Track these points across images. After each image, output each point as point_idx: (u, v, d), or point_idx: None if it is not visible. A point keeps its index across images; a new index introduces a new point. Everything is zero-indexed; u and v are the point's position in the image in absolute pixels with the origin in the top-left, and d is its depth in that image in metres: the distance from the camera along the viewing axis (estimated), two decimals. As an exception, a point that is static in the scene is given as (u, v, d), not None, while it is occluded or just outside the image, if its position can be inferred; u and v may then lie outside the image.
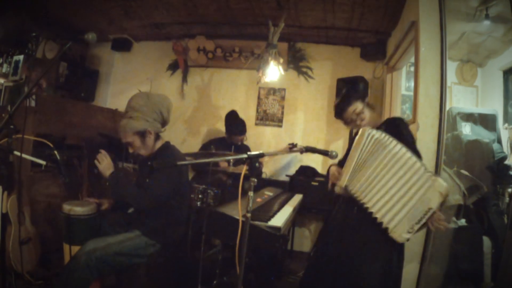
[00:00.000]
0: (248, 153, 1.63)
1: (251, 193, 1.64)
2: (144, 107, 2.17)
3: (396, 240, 1.72)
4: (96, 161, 2.18)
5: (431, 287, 2.53)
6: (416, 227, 1.68)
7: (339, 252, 1.91)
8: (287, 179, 4.21)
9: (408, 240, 1.73)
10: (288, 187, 4.04)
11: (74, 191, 3.16)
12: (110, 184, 2.14)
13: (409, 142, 1.92)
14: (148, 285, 2.31)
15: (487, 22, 2.89)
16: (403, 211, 1.69)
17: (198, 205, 2.99)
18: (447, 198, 2.60)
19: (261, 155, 1.70)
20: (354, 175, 1.83)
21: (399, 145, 1.74)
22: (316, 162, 4.40)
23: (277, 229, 1.80)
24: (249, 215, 1.64)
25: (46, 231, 2.85)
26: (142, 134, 2.18)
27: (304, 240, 4.46)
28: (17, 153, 1.87)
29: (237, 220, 1.71)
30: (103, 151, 2.21)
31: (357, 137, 1.88)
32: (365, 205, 1.77)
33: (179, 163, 1.46)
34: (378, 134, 1.79)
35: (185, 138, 4.89)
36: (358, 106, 2.07)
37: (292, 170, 4.36)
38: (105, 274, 2.08)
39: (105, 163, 2.17)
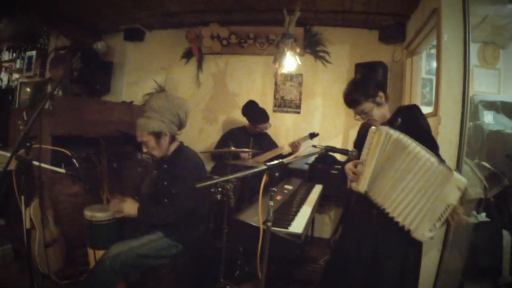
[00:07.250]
0: (268, 163, 1.61)
1: (271, 203, 1.62)
2: (162, 108, 2.17)
3: (420, 240, 1.71)
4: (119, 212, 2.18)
5: (449, 281, 2.50)
6: (438, 224, 1.67)
7: (358, 248, 1.91)
8: (306, 167, 4.16)
9: (432, 238, 1.72)
10: (308, 176, 4.00)
11: (95, 188, 3.19)
12: (140, 218, 2.15)
13: (426, 130, 1.90)
14: (172, 281, 2.35)
15: (511, 6, 2.71)
16: (423, 211, 1.67)
17: (218, 198, 2.99)
18: (467, 191, 2.56)
19: (282, 164, 1.67)
20: (374, 181, 1.80)
21: (418, 146, 1.69)
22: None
23: (297, 236, 1.78)
24: (270, 224, 1.63)
25: (70, 228, 2.90)
26: (158, 135, 2.18)
27: (324, 226, 4.46)
28: (36, 163, 1.89)
29: (257, 228, 1.70)
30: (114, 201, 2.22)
31: (374, 138, 1.80)
32: (386, 211, 1.77)
33: (198, 185, 1.42)
34: (396, 134, 1.73)
35: (203, 127, 4.86)
36: (366, 106, 1.92)
37: (312, 158, 4.25)
38: (129, 276, 2.13)
39: (126, 206, 2.16)
